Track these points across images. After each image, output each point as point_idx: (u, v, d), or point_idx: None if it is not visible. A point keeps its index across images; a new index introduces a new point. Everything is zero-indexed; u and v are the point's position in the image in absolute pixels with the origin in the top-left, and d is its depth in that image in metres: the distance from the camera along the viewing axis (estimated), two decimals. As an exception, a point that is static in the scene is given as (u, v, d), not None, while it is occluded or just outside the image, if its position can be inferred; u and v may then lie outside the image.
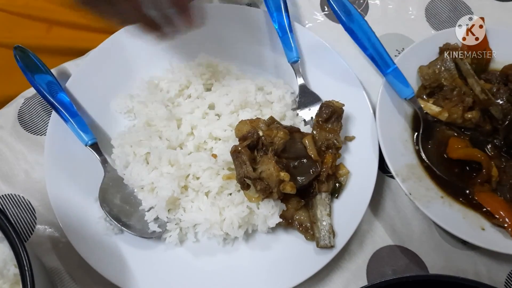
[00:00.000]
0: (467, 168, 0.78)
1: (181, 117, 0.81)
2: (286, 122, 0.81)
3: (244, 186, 0.72)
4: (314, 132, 0.79)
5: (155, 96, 0.82)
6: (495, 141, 0.81)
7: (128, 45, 0.87)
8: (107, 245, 0.74)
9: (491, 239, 0.73)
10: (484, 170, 0.76)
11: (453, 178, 0.78)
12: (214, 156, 0.76)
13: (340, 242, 0.74)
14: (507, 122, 0.79)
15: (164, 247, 0.75)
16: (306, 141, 0.76)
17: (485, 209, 0.75)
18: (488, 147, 0.80)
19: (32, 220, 0.78)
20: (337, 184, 0.78)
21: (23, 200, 0.80)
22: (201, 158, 0.76)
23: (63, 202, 0.75)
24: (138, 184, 0.76)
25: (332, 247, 0.72)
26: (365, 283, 0.77)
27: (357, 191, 0.78)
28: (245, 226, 0.75)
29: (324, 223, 0.74)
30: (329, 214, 0.74)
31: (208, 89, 0.85)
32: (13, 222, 0.68)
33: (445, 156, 0.79)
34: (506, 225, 0.73)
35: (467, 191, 0.77)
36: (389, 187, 0.83)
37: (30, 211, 0.79)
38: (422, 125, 0.80)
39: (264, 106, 0.82)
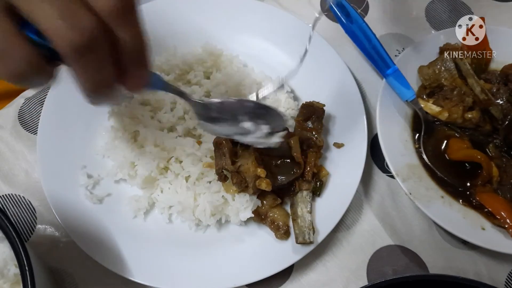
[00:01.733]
0: (468, 167, 0.78)
1: (176, 100, 0.82)
2: None
3: (222, 178, 0.73)
4: (296, 132, 0.80)
5: None
6: (495, 141, 0.81)
7: None
8: (107, 235, 0.75)
9: (492, 239, 0.73)
10: (484, 172, 0.76)
11: (453, 178, 0.78)
12: (199, 142, 0.78)
13: (318, 238, 0.74)
14: (507, 122, 0.79)
15: (139, 225, 0.77)
16: (292, 141, 0.76)
17: (485, 209, 0.75)
18: (489, 146, 0.81)
19: (33, 220, 0.79)
20: (318, 183, 0.78)
21: (24, 200, 0.80)
22: (186, 143, 0.77)
23: (61, 198, 0.75)
24: (119, 159, 0.77)
25: (311, 243, 0.73)
26: (365, 282, 0.77)
27: (340, 190, 0.78)
28: (218, 216, 0.76)
29: (305, 219, 0.74)
30: (310, 211, 0.75)
31: (208, 77, 0.86)
32: (13, 222, 0.68)
33: (446, 157, 0.79)
34: (506, 226, 0.73)
35: (468, 191, 0.77)
36: (389, 187, 0.83)
37: (30, 211, 0.79)
38: (423, 126, 0.80)
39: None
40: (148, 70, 0.49)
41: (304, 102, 0.82)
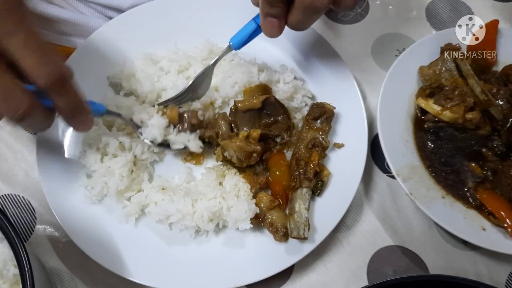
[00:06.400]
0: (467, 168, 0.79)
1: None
2: (295, 103, 0.84)
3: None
4: (303, 129, 0.81)
5: (149, 68, 0.84)
6: (494, 142, 0.80)
7: (138, 21, 0.89)
8: (106, 235, 0.75)
9: (492, 239, 0.73)
10: None
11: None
12: None
13: (318, 238, 0.74)
14: (508, 125, 0.79)
15: (139, 225, 0.77)
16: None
17: (485, 210, 0.75)
18: (488, 147, 0.80)
19: (32, 220, 0.78)
20: (319, 182, 0.78)
21: (23, 200, 0.80)
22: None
23: (60, 198, 0.75)
24: (91, 168, 0.77)
25: (305, 238, 0.72)
26: (365, 283, 0.77)
27: (340, 190, 0.78)
28: (216, 221, 0.76)
29: (301, 215, 0.74)
30: (307, 209, 0.75)
31: None
32: (13, 222, 0.68)
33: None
34: (505, 225, 0.73)
35: (468, 191, 0.77)
36: (390, 187, 0.83)
37: (30, 211, 0.79)
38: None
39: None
40: (90, 112, 0.64)
41: (316, 102, 0.82)
